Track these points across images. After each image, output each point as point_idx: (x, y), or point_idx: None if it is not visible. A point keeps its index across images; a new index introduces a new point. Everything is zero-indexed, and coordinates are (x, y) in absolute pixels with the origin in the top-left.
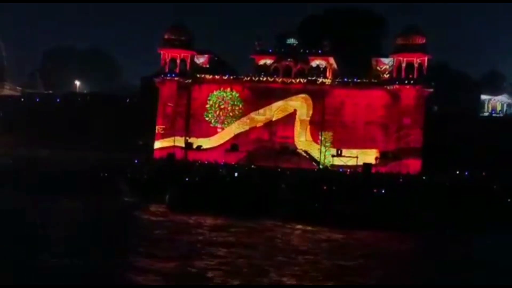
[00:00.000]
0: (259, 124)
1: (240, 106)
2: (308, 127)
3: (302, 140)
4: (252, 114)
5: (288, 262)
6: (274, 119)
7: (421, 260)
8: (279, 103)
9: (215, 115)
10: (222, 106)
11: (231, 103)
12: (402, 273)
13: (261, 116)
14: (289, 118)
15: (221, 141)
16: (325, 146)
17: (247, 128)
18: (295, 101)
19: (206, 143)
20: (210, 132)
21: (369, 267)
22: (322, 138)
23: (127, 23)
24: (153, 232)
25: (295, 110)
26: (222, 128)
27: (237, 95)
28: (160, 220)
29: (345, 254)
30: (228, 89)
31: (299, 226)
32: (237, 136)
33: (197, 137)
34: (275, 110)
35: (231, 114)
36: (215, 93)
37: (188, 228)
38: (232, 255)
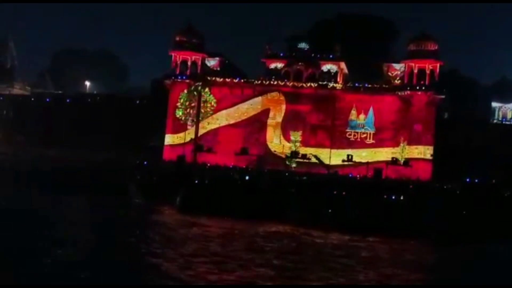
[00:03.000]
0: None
1: (212, 103)
2: (280, 128)
3: (276, 143)
4: (271, 117)
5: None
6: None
7: (436, 269)
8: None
9: (185, 112)
10: (192, 104)
11: (203, 100)
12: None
13: (271, 120)
14: (298, 122)
15: (184, 141)
16: (295, 145)
17: (217, 126)
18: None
19: (174, 139)
20: (180, 129)
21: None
22: (293, 138)
23: (138, 25)
24: (165, 233)
25: (267, 113)
26: (192, 125)
27: (208, 92)
28: (172, 221)
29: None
30: (199, 88)
31: (314, 232)
32: (247, 139)
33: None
34: (283, 113)
35: (202, 111)
36: (185, 92)
37: (203, 231)
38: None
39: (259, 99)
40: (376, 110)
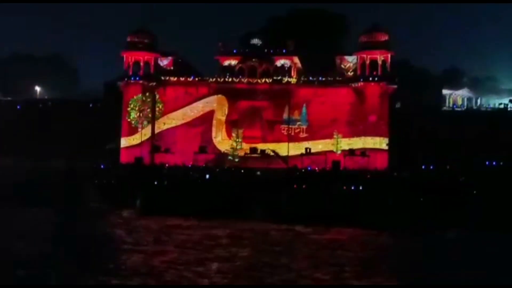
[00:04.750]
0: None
1: (160, 107)
2: (224, 126)
3: (219, 139)
4: (218, 116)
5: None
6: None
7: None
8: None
9: (135, 116)
10: (141, 108)
11: (151, 105)
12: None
13: (223, 118)
14: (255, 118)
15: (143, 139)
16: (236, 142)
17: (174, 125)
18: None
19: (130, 141)
20: (135, 131)
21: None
22: (234, 135)
23: (86, 28)
24: (131, 237)
25: (212, 111)
26: (142, 128)
27: (157, 97)
28: (135, 225)
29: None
30: (148, 94)
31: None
32: (203, 138)
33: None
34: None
35: (150, 115)
36: (135, 97)
37: (168, 231)
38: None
39: (214, 97)
40: (315, 106)
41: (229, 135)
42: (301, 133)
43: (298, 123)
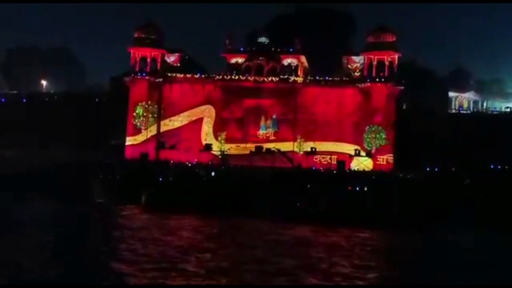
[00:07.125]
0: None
1: (162, 112)
2: (211, 128)
3: (209, 139)
4: (207, 122)
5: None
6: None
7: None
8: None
9: (140, 120)
10: (145, 114)
11: (153, 111)
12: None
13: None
14: (260, 118)
15: (149, 135)
16: (221, 143)
17: (180, 123)
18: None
19: (136, 138)
20: (136, 132)
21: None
22: (219, 138)
23: (94, 22)
24: (138, 234)
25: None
26: (145, 129)
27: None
28: (141, 221)
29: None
30: (150, 102)
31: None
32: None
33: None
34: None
35: (151, 119)
36: (139, 104)
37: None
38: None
39: (206, 106)
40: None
41: (215, 137)
42: (270, 137)
43: (269, 129)
